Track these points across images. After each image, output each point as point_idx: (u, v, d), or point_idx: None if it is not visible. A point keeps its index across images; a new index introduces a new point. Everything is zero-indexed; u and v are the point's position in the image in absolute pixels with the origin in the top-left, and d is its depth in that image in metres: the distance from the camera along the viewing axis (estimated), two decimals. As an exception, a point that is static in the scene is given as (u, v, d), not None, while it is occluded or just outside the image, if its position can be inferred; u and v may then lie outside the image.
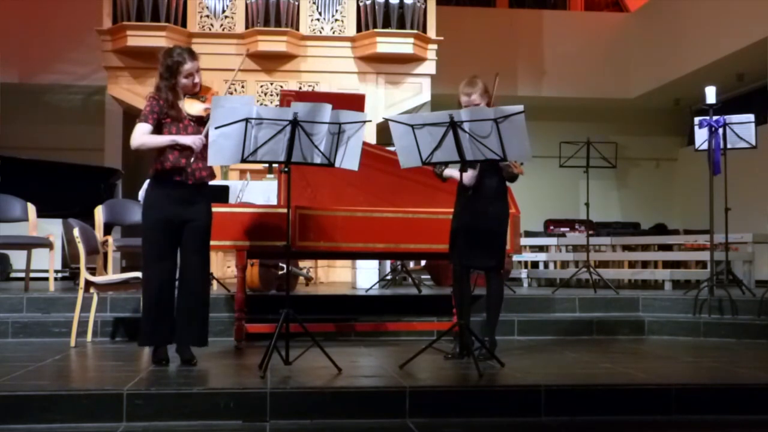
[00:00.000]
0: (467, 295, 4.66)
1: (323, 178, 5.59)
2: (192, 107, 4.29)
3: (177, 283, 4.37)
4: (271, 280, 6.47)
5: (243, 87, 10.16)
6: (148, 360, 4.41)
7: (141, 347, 4.61)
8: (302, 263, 7.70)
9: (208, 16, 10.15)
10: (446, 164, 4.53)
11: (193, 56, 4.27)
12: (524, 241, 9.46)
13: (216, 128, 3.99)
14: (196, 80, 4.29)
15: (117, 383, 3.65)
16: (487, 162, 4.35)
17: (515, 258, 8.76)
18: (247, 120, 4.00)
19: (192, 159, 4.23)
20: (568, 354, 4.99)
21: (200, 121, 4.30)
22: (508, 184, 4.68)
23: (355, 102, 5.45)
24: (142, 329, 4.34)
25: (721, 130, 6.48)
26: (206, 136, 4.15)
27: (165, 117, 4.23)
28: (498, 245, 4.59)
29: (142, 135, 4.19)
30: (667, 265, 8.41)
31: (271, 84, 10.22)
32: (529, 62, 13.46)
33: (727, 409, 3.77)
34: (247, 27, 10.07)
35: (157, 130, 4.23)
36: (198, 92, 4.34)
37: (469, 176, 4.45)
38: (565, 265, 9.08)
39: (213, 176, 4.42)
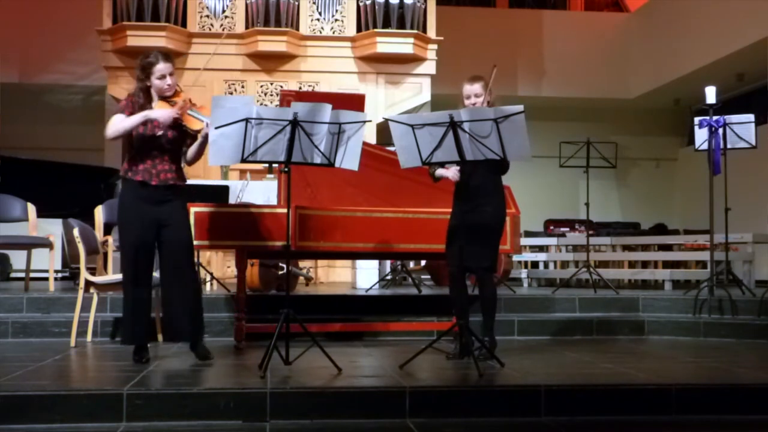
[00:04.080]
0: (465, 296, 4.66)
1: (323, 178, 5.58)
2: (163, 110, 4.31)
3: (164, 284, 4.44)
4: (271, 280, 6.47)
5: (243, 87, 10.16)
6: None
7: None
8: (302, 263, 7.70)
9: (208, 16, 10.15)
10: (439, 165, 4.59)
11: (168, 59, 4.34)
12: (524, 241, 9.45)
13: (216, 128, 4.00)
14: (169, 82, 4.31)
15: (117, 383, 3.65)
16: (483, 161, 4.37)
17: (515, 258, 8.76)
18: (247, 120, 4.01)
19: (157, 161, 4.29)
20: (568, 354, 4.99)
21: (173, 125, 4.31)
22: (507, 183, 4.68)
23: (355, 102, 5.45)
24: (123, 329, 4.48)
25: (721, 130, 6.48)
26: (177, 122, 4.24)
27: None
28: (491, 245, 4.56)
29: (115, 123, 4.25)
30: (667, 265, 8.41)
31: (271, 84, 10.21)
32: (529, 62, 13.47)
33: (727, 409, 3.77)
34: (247, 27, 10.06)
35: (129, 133, 4.27)
36: (171, 96, 4.36)
37: (453, 171, 4.53)
38: (565, 265, 9.08)
39: (183, 179, 4.43)
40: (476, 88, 4.57)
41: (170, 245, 4.35)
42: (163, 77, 4.30)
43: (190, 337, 4.49)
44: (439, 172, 4.67)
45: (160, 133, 4.28)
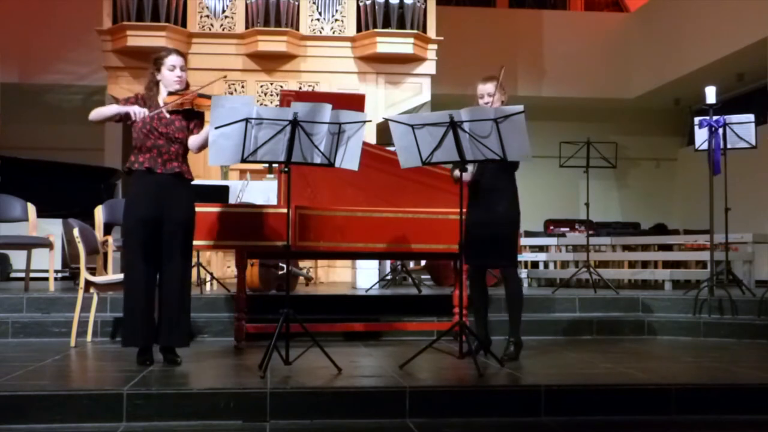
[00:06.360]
0: (485, 296, 4.70)
1: (323, 178, 5.58)
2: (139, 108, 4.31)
3: (158, 284, 4.36)
4: (271, 280, 6.47)
5: (243, 87, 10.16)
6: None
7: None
8: (302, 263, 7.70)
9: (208, 16, 10.15)
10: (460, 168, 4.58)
11: (179, 54, 4.44)
12: (524, 241, 9.45)
13: (216, 128, 4.00)
14: (179, 74, 4.35)
15: (117, 383, 3.65)
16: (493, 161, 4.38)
17: (515, 258, 8.74)
18: (247, 120, 4.01)
19: (163, 150, 4.27)
20: (568, 354, 4.99)
21: (177, 113, 4.32)
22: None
23: (355, 102, 5.45)
24: (124, 330, 4.35)
25: (721, 130, 6.48)
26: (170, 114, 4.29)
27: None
28: (507, 243, 4.60)
29: (99, 109, 4.34)
30: (667, 265, 8.40)
31: (271, 84, 10.21)
32: (529, 62, 13.46)
33: (727, 409, 3.77)
34: (247, 27, 10.06)
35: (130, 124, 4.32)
36: (179, 91, 4.36)
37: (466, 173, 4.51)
38: (565, 265, 9.08)
39: (189, 172, 4.39)
40: (489, 87, 4.61)
41: (168, 227, 4.25)
42: (173, 68, 4.34)
43: (166, 340, 4.32)
44: (456, 173, 4.66)
45: (166, 114, 4.27)
